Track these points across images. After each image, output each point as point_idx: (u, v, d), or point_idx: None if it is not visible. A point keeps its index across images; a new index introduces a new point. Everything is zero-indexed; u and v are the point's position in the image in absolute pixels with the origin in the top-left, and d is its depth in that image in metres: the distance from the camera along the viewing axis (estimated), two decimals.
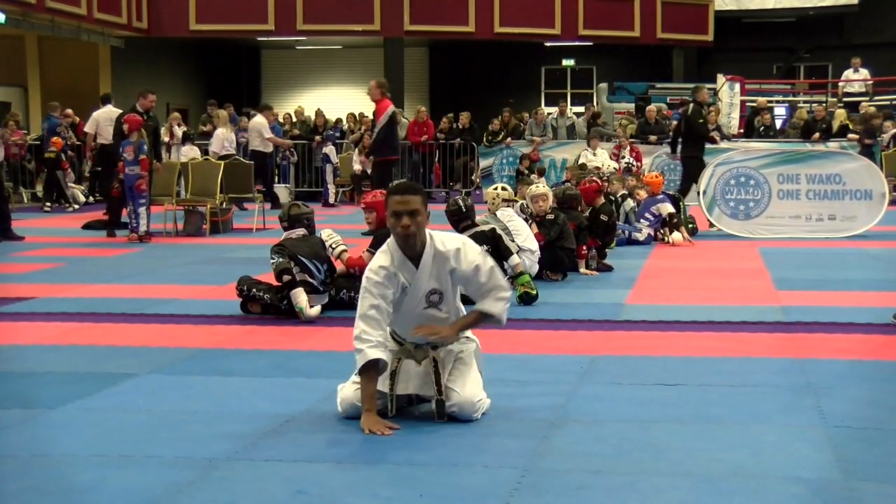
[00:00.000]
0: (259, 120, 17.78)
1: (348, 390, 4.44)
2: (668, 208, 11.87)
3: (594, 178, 10.50)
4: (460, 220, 8.08)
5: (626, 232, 11.74)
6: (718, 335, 6.45)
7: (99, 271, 9.70)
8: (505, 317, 4.56)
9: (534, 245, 8.57)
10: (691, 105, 14.31)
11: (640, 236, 11.79)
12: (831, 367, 5.54)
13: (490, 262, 4.52)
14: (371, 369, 4.26)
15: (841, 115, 19.99)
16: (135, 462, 3.88)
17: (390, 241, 4.46)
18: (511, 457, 3.94)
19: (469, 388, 4.41)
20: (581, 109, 23.19)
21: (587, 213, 9.90)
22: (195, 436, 4.23)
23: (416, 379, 4.46)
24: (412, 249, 4.39)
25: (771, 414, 4.56)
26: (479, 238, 7.60)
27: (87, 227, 14.23)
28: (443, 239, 4.48)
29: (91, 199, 18.32)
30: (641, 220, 11.94)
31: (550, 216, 9.02)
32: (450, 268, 4.43)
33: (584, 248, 9.29)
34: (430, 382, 4.44)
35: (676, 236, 11.73)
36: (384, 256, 4.42)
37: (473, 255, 4.48)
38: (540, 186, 9.44)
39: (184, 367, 5.62)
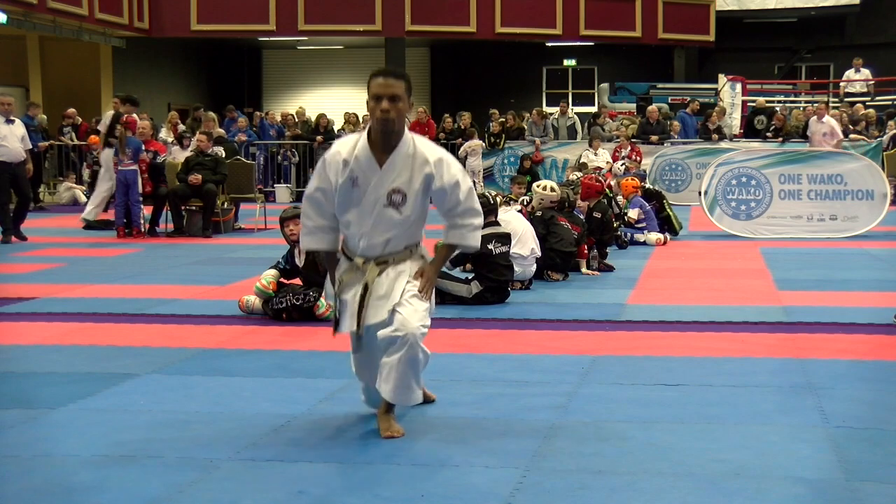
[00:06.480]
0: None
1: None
2: (630, 213, 11.96)
3: (599, 178, 10.53)
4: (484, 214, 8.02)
5: (628, 234, 11.75)
6: (720, 335, 6.45)
7: (100, 271, 9.70)
8: (478, 243, 4.42)
9: (525, 250, 8.31)
10: None
11: (641, 237, 11.81)
12: (832, 367, 5.53)
13: (469, 182, 4.34)
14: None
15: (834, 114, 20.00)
16: (136, 462, 3.88)
17: (363, 132, 4.24)
18: (512, 457, 3.93)
19: (414, 308, 4.17)
20: (583, 109, 23.18)
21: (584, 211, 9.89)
22: (196, 436, 4.23)
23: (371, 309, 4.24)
24: (387, 140, 4.16)
25: (772, 414, 4.56)
26: (498, 238, 7.60)
27: (88, 227, 14.24)
28: (425, 143, 4.30)
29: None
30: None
31: (538, 213, 8.99)
32: (427, 172, 4.21)
33: (585, 247, 9.28)
34: (380, 307, 4.21)
35: (652, 236, 11.80)
36: (347, 143, 4.26)
37: (456, 170, 4.28)
38: (542, 182, 9.43)
39: (185, 368, 5.62)
